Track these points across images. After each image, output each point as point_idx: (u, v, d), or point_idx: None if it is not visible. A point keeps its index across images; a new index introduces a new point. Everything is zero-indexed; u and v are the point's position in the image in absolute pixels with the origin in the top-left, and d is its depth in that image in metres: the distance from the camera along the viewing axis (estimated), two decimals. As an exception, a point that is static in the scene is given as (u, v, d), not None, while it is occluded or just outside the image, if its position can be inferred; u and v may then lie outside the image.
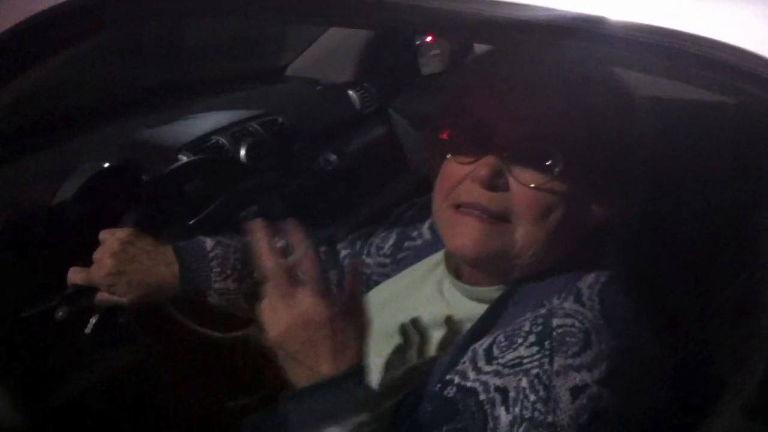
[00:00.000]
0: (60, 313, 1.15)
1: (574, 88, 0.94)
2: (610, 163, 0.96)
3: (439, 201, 1.01)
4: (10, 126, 1.44)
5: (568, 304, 0.92)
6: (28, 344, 1.28)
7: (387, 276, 1.25)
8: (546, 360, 0.85)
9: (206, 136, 1.74)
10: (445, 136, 1.00)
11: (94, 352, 1.37)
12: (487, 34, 0.89)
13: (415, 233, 1.26)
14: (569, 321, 0.89)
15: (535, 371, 0.85)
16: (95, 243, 1.17)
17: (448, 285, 1.07)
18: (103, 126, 1.76)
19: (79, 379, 1.42)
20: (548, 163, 0.93)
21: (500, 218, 0.94)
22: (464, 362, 0.92)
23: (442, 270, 1.10)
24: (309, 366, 0.85)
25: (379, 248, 1.30)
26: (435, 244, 1.18)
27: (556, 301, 0.94)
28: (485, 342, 0.93)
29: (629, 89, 0.99)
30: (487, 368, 0.89)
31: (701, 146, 1.31)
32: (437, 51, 2.65)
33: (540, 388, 0.84)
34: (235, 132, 1.81)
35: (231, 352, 1.62)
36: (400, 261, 1.25)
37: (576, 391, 0.83)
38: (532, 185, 0.93)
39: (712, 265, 1.20)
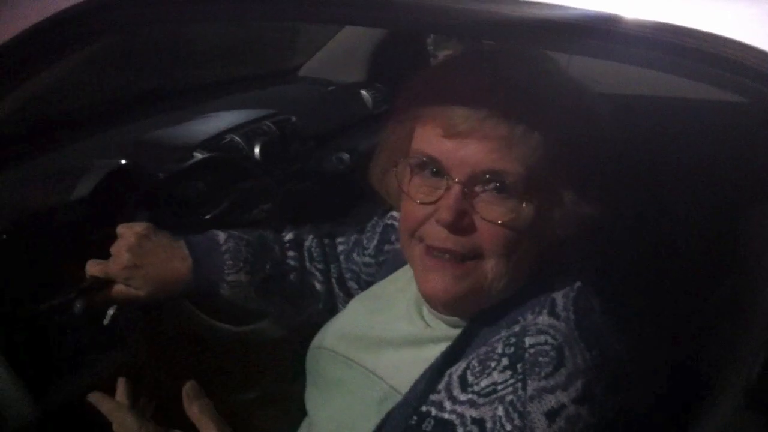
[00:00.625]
0: (78, 306, 1.16)
1: (528, 108, 0.89)
2: (574, 172, 0.93)
3: (405, 238, 0.98)
4: (24, 127, 1.46)
5: (542, 319, 0.91)
6: (45, 338, 1.30)
7: (373, 276, 1.25)
8: (519, 385, 0.84)
9: (221, 135, 1.76)
10: (396, 167, 0.98)
11: (99, 348, 1.38)
12: (501, 34, 0.89)
13: (393, 237, 1.26)
14: (542, 338, 0.88)
15: (509, 398, 0.84)
16: (112, 238, 1.19)
17: (426, 310, 1.05)
18: (120, 126, 1.78)
19: (82, 376, 1.43)
20: (512, 194, 0.90)
21: (469, 257, 0.92)
22: (440, 391, 0.91)
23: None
24: None
25: (365, 249, 1.30)
26: None
27: (530, 317, 0.92)
28: (459, 367, 0.92)
29: (581, 92, 0.96)
30: (463, 397, 0.88)
31: (692, 146, 1.30)
32: (449, 51, 2.65)
33: (515, 416, 0.83)
34: (249, 131, 1.83)
35: (242, 345, 1.63)
36: (382, 263, 1.25)
37: (552, 415, 0.82)
38: (500, 222, 0.90)
39: (700, 268, 1.20)
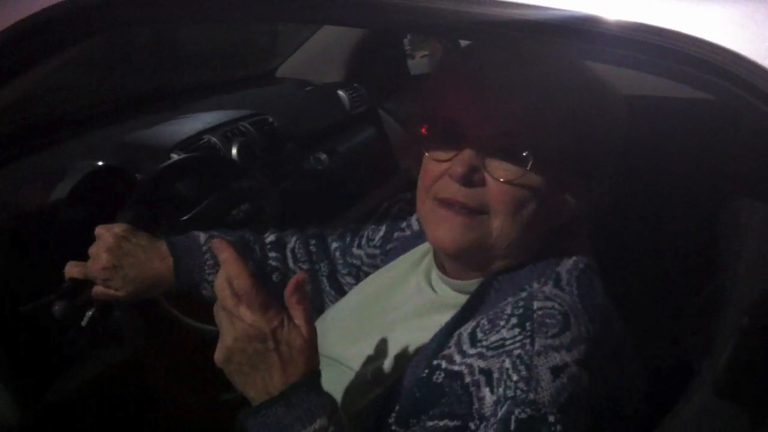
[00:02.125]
0: (57, 308, 1.16)
1: (545, 85, 0.96)
2: (582, 156, 0.99)
3: (421, 196, 1.04)
4: (4, 128, 1.45)
5: (548, 288, 0.97)
6: (27, 340, 1.29)
7: (377, 267, 1.28)
8: (528, 341, 0.89)
9: (198, 136, 1.76)
10: (423, 132, 1.04)
11: (89, 347, 1.38)
12: (481, 34, 0.90)
13: (404, 224, 1.30)
14: (549, 304, 0.93)
15: (517, 352, 0.89)
16: (91, 240, 1.19)
17: (436, 276, 1.11)
18: (97, 128, 1.78)
19: (74, 376, 1.43)
20: (520, 158, 0.95)
21: (477, 212, 0.98)
22: (450, 347, 0.96)
23: (429, 260, 1.14)
24: (260, 379, 0.87)
25: (369, 240, 1.33)
26: (423, 234, 1.20)
27: (536, 285, 0.98)
28: (469, 326, 0.97)
29: (600, 85, 1.02)
30: (472, 351, 0.93)
31: (683, 142, 1.33)
32: (425, 52, 2.67)
33: (522, 368, 0.87)
34: (227, 131, 1.84)
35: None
36: (389, 251, 1.29)
37: (556, 371, 0.86)
38: (506, 180, 0.96)
39: (692, 259, 1.22)
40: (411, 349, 1.03)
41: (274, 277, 1.29)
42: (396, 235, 1.30)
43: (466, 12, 0.78)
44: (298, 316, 0.90)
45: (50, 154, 1.57)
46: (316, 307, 1.33)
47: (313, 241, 1.37)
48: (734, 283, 0.94)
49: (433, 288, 1.11)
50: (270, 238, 1.33)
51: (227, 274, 0.89)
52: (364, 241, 1.34)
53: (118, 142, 1.68)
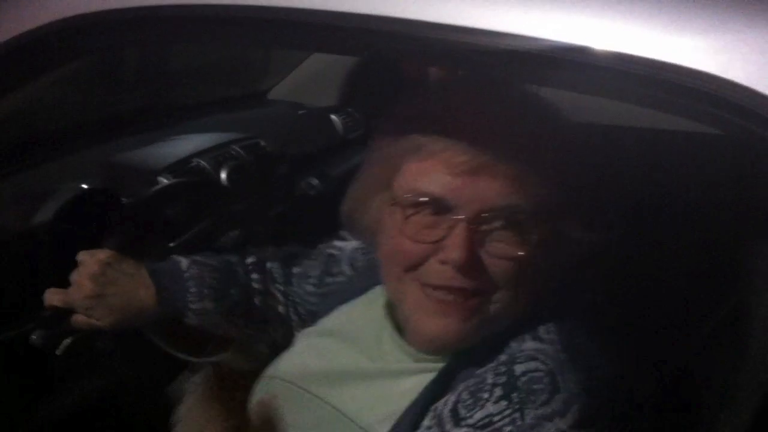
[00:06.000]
0: (35, 337, 1.12)
1: (542, 147, 0.87)
2: (581, 208, 0.91)
3: (397, 274, 0.93)
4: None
5: (528, 345, 0.89)
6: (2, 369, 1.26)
7: (315, 312, 1.19)
8: (517, 414, 0.82)
9: (187, 159, 1.72)
10: (396, 212, 0.91)
11: (66, 377, 1.35)
12: (474, 64, 0.88)
13: (335, 270, 1.22)
14: (533, 365, 0.85)
15: (507, 429, 0.81)
16: (73, 266, 1.15)
17: (388, 338, 1.01)
18: (83, 148, 1.74)
19: (52, 406, 1.39)
20: (527, 228, 0.87)
21: (476, 295, 0.89)
22: (430, 427, 0.88)
23: (380, 318, 1.03)
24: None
25: (308, 277, 1.25)
26: (359, 278, 1.14)
27: (514, 344, 0.90)
28: (448, 401, 0.88)
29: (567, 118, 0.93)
30: (457, 431, 0.85)
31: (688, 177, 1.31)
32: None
33: None
34: (217, 155, 1.79)
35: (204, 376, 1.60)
36: (325, 296, 1.21)
37: None
38: (509, 256, 0.86)
39: (695, 290, 1.19)
40: (371, 424, 0.94)
41: (257, 300, 1.24)
42: (328, 279, 1.22)
43: (458, 42, 0.75)
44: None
45: (33, 174, 1.53)
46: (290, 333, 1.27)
47: (287, 263, 1.30)
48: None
49: (396, 352, 0.99)
50: (250, 259, 1.28)
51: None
52: (304, 278, 1.26)
53: (104, 163, 1.64)
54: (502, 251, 0.87)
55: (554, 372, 0.84)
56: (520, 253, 0.87)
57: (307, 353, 1.09)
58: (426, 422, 0.89)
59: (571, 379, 0.84)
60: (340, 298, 1.15)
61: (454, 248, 0.86)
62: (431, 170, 0.88)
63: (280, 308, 1.27)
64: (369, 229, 0.99)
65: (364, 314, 1.07)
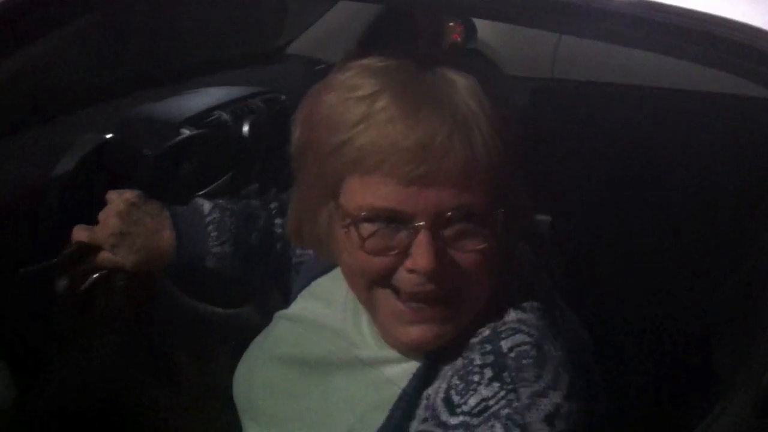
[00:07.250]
0: (60, 284, 1.14)
1: (488, 133, 0.84)
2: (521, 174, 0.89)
3: (364, 286, 0.90)
4: (5, 101, 1.44)
5: (510, 316, 0.88)
6: (24, 304, 1.27)
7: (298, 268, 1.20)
8: (512, 396, 0.81)
9: (208, 111, 1.73)
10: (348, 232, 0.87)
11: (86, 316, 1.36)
12: (491, 13, 0.87)
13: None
14: (518, 338, 0.85)
15: (505, 412, 0.80)
16: (96, 214, 1.17)
17: (367, 326, 0.99)
18: (101, 101, 1.76)
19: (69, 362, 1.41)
20: (491, 218, 0.85)
21: (451, 294, 0.87)
22: (426, 419, 0.87)
23: (355, 304, 0.99)
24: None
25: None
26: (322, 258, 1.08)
27: (496, 317, 0.89)
28: (440, 389, 0.88)
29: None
30: (454, 421, 0.83)
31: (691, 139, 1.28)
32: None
33: (516, 430, 0.79)
34: (237, 108, 1.80)
35: (223, 330, 1.62)
36: (299, 264, 1.21)
37: (550, 418, 0.80)
38: (479, 248, 0.85)
39: (705, 261, 1.18)
40: (363, 412, 0.93)
41: (278, 246, 1.24)
42: (299, 251, 1.21)
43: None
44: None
45: (54, 127, 1.54)
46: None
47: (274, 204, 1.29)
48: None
49: (376, 340, 0.97)
50: (273, 204, 1.27)
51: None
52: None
53: (125, 115, 1.65)
54: (465, 247, 0.86)
55: (540, 342, 0.85)
56: (483, 245, 0.86)
57: (284, 341, 1.08)
58: (420, 411, 0.89)
59: (557, 347, 0.85)
60: (311, 275, 1.14)
61: (420, 255, 0.84)
62: (379, 183, 0.84)
63: None
64: (321, 241, 0.96)
65: (336, 296, 1.05)
